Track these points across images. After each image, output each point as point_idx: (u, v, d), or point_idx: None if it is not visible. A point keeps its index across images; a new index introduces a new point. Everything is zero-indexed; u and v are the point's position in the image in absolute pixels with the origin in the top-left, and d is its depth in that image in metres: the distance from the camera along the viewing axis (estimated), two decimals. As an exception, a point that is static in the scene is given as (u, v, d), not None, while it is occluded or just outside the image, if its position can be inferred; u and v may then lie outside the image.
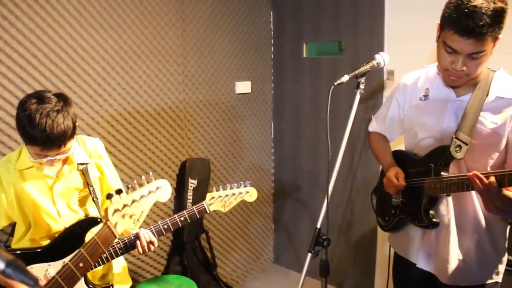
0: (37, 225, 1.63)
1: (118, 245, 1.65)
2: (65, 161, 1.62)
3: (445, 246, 1.60)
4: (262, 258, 3.72)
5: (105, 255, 1.62)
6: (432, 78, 1.66)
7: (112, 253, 1.64)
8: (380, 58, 1.61)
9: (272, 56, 3.52)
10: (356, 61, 2.85)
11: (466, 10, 1.32)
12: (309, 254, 1.58)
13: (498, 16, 1.32)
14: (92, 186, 1.69)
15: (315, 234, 1.58)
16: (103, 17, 2.39)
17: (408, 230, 1.73)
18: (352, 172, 3.08)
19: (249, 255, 3.59)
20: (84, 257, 1.49)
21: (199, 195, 2.90)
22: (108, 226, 1.49)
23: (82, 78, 2.35)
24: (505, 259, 1.62)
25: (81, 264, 1.48)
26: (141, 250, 1.65)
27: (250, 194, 1.89)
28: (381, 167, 1.91)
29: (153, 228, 1.70)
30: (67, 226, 1.62)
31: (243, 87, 3.30)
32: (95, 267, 1.61)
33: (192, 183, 2.91)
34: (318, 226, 1.60)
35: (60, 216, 1.63)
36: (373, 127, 1.96)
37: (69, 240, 1.59)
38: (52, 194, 1.62)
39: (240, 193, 1.86)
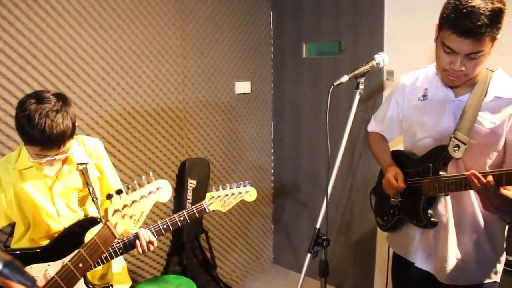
0: (37, 225, 1.62)
1: (118, 245, 1.65)
2: (64, 161, 1.62)
3: (444, 246, 1.60)
4: (261, 258, 3.72)
5: (104, 255, 1.62)
6: (431, 78, 1.67)
7: (112, 253, 1.64)
8: (380, 59, 1.62)
9: (272, 56, 3.52)
10: (356, 61, 2.85)
11: (464, 11, 1.33)
12: (309, 255, 1.59)
13: (496, 17, 1.33)
14: (92, 186, 1.69)
15: (314, 234, 1.59)
16: (102, 17, 2.39)
17: (407, 229, 1.74)
18: (351, 172, 3.08)
19: (248, 255, 3.59)
20: (83, 257, 1.48)
21: (199, 195, 2.90)
22: (108, 227, 1.49)
23: (82, 78, 2.35)
24: (503, 258, 1.63)
25: (80, 265, 1.48)
26: (140, 250, 1.65)
27: (249, 193, 1.88)
28: (380, 167, 1.92)
29: (152, 228, 1.70)
30: (66, 226, 1.62)
31: (243, 87, 3.30)
32: (95, 267, 1.61)
33: (192, 183, 2.91)
34: (318, 226, 1.60)
35: (60, 216, 1.63)
36: (372, 127, 1.97)
37: (68, 240, 1.59)
38: (51, 194, 1.61)
39: (240, 192, 1.86)
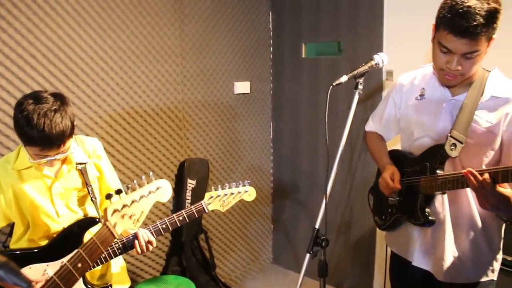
0: (36, 225, 1.62)
1: (117, 245, 1.65)
2: (63, 161, 1.62)
3: (441, 244, 1.62)
4: (261, 258, 3.72)
5: (103, 255, 1.61)
6: (428, 78, 1.68)
7: (111, 253, 1.64)
8: (379, 59, 1.63)
9: (271, 56, 3.52)
10: (355, 61, 2.85)
11: (460, 11, 1.34)
12: (308, 255, 1.59)
13: (491, 17, 1.34)
14: (91, 186, 1.68)
15: (313, 234, 1.59)
16: (101, 17, 2.39)
17: (405, 228, 1.75)
18: (351, 173, 3.08)
19: (248, 255, 3.59)
20: (82, 257, 1.48)
21: (198, 195, 2.90)
22: (107, 227, 1.49)
23: (81, 78, 2.35)
24: (500, 257, 1.64)
25: (79, 265, 1.48)
26: (139, 250, 1.64)
27: (248, 193, 1.88)
28: (377, 166, 1.92)
29: (151, 228, 1.70)
30: (65, 226, 1.62)
31: (242, 87, 3.30)
32: (94, 267, 1.61)
33: (191, 183, 2.91)
34: (317, 226, 1.60)
35: (59, 216, 1.63)
36: (369, 126, 1.98)
37: (67, 240, 1.58)
38: (50, 194, 1.61)
39: (239, 192, 1.86)
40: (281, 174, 3.65)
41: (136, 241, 1.64)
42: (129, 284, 1.88)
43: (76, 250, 1.49)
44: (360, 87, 1.61)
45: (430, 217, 1.59)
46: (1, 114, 2.09)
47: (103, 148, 1.80)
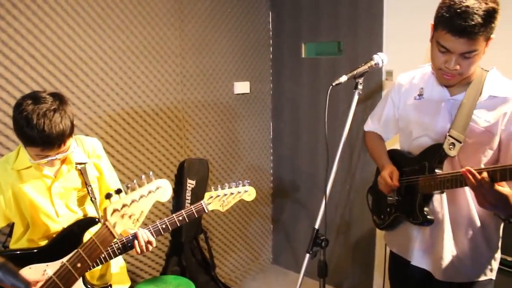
0: (35, 226, 1.62)
1: (116, 245, 1.65)
2: (63, 161, 1.62)
3: (440, 243, 1.62)
4: (260, 258, 3.72)
5: (103, 255, 1.61)
6: (427, 78, 1.69)
7: (111, 253, 1.64)
8: (379, 59, 1.63)
9: (271, 56, 3.52)
10: (355, 61, 2.85)
11: (458, 10, 1.35)
12: (307, 255, 1.59)
13: (489, 16, 1.35)
14: (90, 186, 1.68)
15: (313, 235, 1.59)
16: (101, 17, 2.39)
17: (403, 228, 1.76)
18: (351, 173, 3.08)
19: (247, 255, 3.59)
20: (82, 257, 1.48)
21: (198, 196, 2.90)
22: (107, 226, 1.49)
23: (80, 78, 2.35)
24: (498, 256, 1.65)
25: (78, 265, 1.48)
26: (139, 250, 1.64)
27: (248, 193, 1.88)
28: (376, 166, 1.93)
29: (151, 228, 1.70)
30: (65, 226, 1.62)
31: (242, 87, 3.30)
32: (94, 267, 1.61)
33: (191, 183, 2.91)
34: (316, 227, 1.60)
35: (59, 216, 1.63)
36: (368, 126, 1.99)
37: (67, 240, 1.58)
38: (50, 194, 1.61)
39: (239, 192, 1.86)
40: (281, 174, 3.65)
41: (136, 241, 1.64)
42: (129, 284, 1.88)
43: (76, 250, 1.49)
44: (360, 87, 1.61)
45: (428, 216, 1.59)
46: (1, 115, 2.08)
47: (102, 148, 1.80)
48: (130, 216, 1.52)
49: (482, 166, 1.53)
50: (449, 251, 1.61)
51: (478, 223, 1.58)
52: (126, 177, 2.62)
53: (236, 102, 3.29)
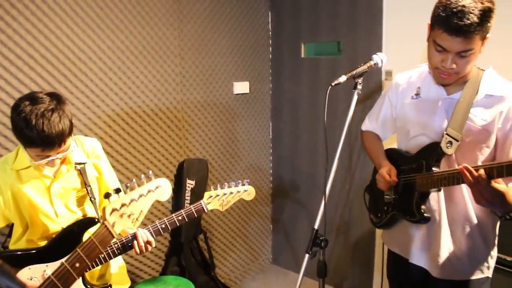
0: (34, 226, 1.62)
1: (116, 245, 1.64)
2: (63, 160, 1.61)
3: (437, 241, 1.63)
4: (260, 258, 3.72)
5: (102, 255, 1.61)
6: (424, 77, 1.70)
7: (110, 253, 1.63)
8: (378, 59, 1.64)
9: (271, 56, 3.52)
10: (354, 61, 2.85)
11: (454, 10, 1.37)
12: (307, 255, 1.59)
13: (485, 16, 1.37)
14: (90, 186, 1.68)
15: (312, 235, 1.59)
16: (100, 18, 2.39)
17: (401, 226, 1.77)
18: (350, 173, 3.08)
19: (247, 255, 3.58)
20: (80, 257, 1.48)
21: (197, 196, 2.90)
22: (106, 226, 1.49)
23: (79, 78, 2.34)
24: (495, 254, 1.66)
25: (77, 265, 1.48)
26: (138, 250, 1.64)
27: (248, 192, 1.88)
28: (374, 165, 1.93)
29: (151, 228, 1.70)
30: (64, 226, 1.62)
31: (241, 87, 3.30)
32: (93, 267, 1.60)
33: (190, 183, 2.91)
34: (316, 227, 1.60)
35: (58, 217, 1.63)
36: (366, 126, 2.00)
37: (66, 240, 1.58)
38: (49, 194, 1.61)
39: (238, 191, 1.86)
40: (280, 174, 3.65)
41: (135, 241, 1.64)
42: (129, 284, 1.88)
43: (74, 250, 1.49)
44: (359, 87, 1.62)
45: (425, 214, 1.61)
46: (0, 115, 2.08)
47: (102, 148, 1.80)
48: (129, 216, 1.51)
49: (479, 164, 1.54)
50: (446, 248, 1.62)
51: (475, 221, 1.60)
52: (126, 177, 2.62)
53: (235, 102, 3.28)
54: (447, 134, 1.52)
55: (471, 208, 1.59)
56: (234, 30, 3.17)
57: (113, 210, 1.49)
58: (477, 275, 1.62)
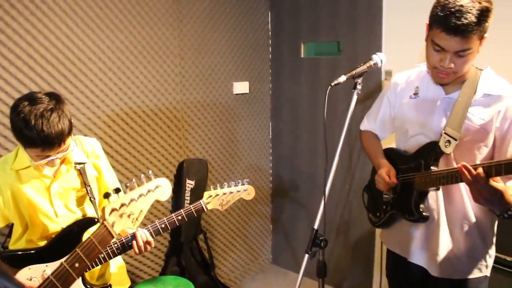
0: (34, 226, 1.62)
1: (115, 245, 1.65)
2: (62, 160, 1.62)
3: (435, 240, 1.64)
4: (260, 258, 3.72)
5: (102, 255, 1.61)
6: (422, 77, 1.71)
7: (110, 253, 1.64)
8: (377, 59, 1.64)
9: (270, 56, 3.52)
10: (354, 61, 2.85)
11: (452, 9, 1.38)
12: (306, 255, 1.58)
13: (483, 15, 1.38)
14: (89, 186, 1.68)
15: (312, 235, 1.59)
16: (99, 18, 2.39)
17: (399, 225, 1.77)
18: (350, 173, 3.08)
19: (247, 255, 3.58)
20: (80, 257, 1.48)
21: (197, 196, 2.90)
22: (105, 226, 1.49)
23: (79, 78, 2.34)
24: (493, 253, 1.67)
25: (76, 265, 1.47)
26: (137, 250, 1.64)
27: (247, 192, 1.89)
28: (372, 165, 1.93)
29: (150, 228, 1.70)
30: (64, 226, 1.62)
31: (241, 87, 3.30)
32: (93, 267, 1.60)
33: (190, 183, 2.91)
34: (315, 227, 1.60)
35: (58, 216, 1.63)
36: (364, 126, 2.01)
37: (66, 240, 1.58)
38: (49, 194, 1.61)
39: (238, 191, 1.86)
40: (280, 174, 3.64)
41: (134, 241, 1.64)
42: (128, 284, 1.88)
43: (74, 250, 1.48)
44: (359, 87, 1.62)
45: (424, 213, 1.61)
46: (0, 115, 2.08)
47: (101, 148, 1.80)
48: (129, 216, 1.51)
49: (478, 162, 1.55)
50: (445, 247, 1.63)
51: (473, 220, 1.60)
52: (125, 178, 2.62)
53: (235, 102, 3.28)
54: (445, 133, 1.53)
55: (469, 207, 1.60)
56: (233, 30, 3.17)
57: (113, 210, 1.48)
58: (476, 274, 1.62)
